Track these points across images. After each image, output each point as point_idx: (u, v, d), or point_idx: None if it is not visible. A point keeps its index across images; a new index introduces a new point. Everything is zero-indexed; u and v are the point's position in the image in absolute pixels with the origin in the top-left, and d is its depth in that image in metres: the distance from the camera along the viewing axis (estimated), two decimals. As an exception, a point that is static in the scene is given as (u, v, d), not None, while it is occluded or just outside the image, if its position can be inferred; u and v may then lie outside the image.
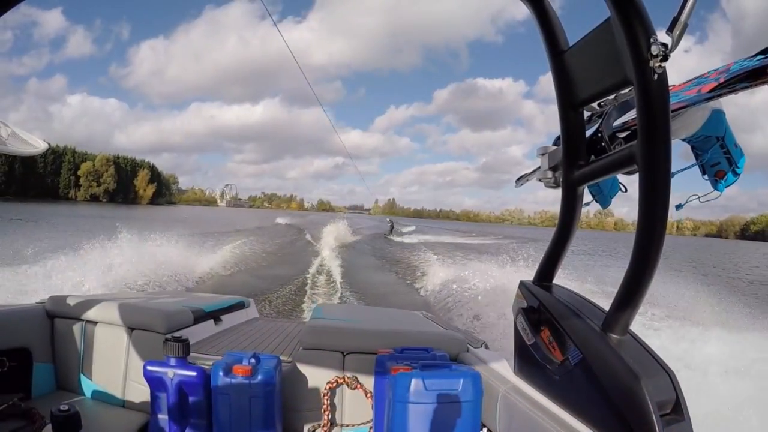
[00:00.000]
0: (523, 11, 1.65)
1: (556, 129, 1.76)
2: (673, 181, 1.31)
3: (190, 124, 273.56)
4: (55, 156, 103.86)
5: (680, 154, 1.58)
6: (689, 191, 1.58)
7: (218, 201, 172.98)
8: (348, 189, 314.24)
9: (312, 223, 32.15)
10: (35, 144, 2.53)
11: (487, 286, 8.86)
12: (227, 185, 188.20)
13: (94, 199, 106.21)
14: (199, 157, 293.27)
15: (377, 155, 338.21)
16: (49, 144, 2.66)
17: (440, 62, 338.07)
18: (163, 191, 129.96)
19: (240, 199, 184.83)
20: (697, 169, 1.61)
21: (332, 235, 22.74)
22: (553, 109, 1.70)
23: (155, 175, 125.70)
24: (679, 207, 1.53)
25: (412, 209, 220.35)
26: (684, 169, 1.57)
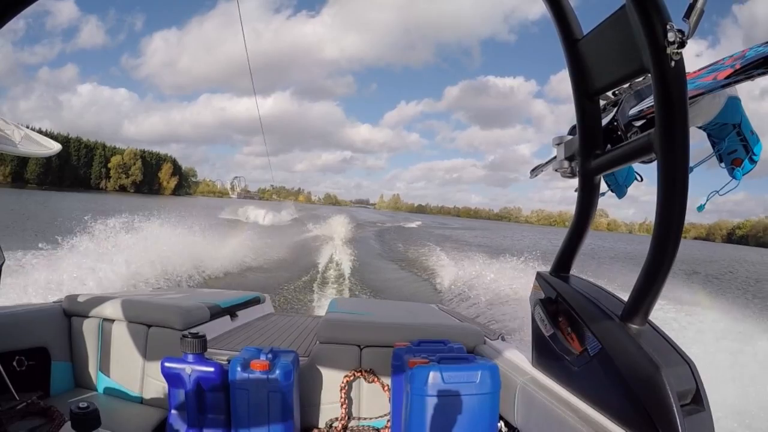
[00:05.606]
0: (536, 10, 1.66)
1: (565, 128, 1.76)
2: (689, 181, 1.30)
3: (200, 115, 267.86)
4: (88, 150, 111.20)
5: (694, 156, 1.55)
6: (704, 193, 1.56)
7: (230, 193, 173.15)
8: (355, 183, 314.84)
9: (315, 216, 33.26)
10: (48, 145, 2.55)
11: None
12: (236, 177, 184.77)
13: (122, 189, 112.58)
14: (207, 148, 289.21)
15: (386, 150, 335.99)
16: (61, 145, 2.68)
17: (452, 59, 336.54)
18: (183, 183, 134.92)
19: (250, 192, 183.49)
20: (706, 171, 1.60)
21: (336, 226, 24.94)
22: (563, 109, 1.75)
23: (177, 169, 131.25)
24: (700, 208, 1.51)
25: (415, 204, 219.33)
26: (701, 162, 1.55)
